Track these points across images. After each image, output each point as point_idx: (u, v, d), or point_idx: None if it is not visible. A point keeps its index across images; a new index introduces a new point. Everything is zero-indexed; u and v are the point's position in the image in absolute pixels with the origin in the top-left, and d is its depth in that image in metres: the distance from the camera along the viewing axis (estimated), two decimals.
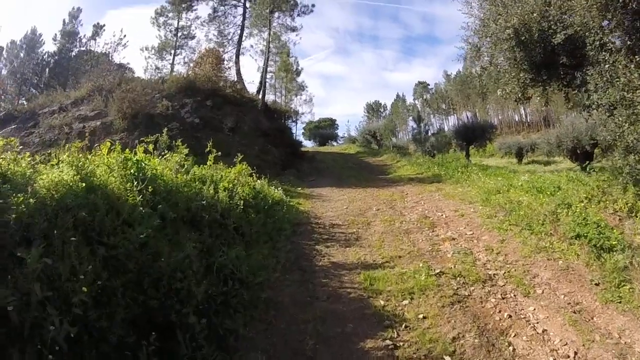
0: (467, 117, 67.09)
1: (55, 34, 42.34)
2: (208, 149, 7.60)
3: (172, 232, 4.30)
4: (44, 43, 42.68)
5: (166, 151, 6.43)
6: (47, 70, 38.93)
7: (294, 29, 27.05)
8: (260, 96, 18.51)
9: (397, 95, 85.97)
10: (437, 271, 5.17)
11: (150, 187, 4.06)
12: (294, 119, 23.01)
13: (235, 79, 23.66)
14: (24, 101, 30.39)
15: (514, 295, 4.53)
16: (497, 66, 11.99)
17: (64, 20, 43.50)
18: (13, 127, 14.81)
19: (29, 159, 3.64)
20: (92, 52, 39.58)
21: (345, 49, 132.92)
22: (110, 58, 29.55)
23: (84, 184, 3.28)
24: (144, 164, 4.37)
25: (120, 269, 3.35)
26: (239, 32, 26.61)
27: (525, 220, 6.56)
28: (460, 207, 8.53)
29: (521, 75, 10.56)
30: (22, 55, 38.70)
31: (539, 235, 5.96)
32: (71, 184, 3.24)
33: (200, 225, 5.10)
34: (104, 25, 45.45)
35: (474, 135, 25.77)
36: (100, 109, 16.41)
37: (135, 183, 3.90)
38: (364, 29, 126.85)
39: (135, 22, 75.24)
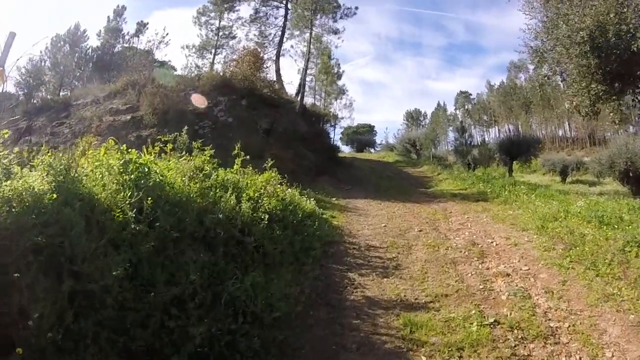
0: (511, 130, 64.47)
1: (100, 30, 43.84)
2: (236, 150, 6.83)
3: (175, 254, 3.52)
4: (88, 38, 44.17)
5: (185, 152, 5.69)
6: (90, 64, 40.13)
7: (335, 32, 26.50)
8: (298, 98, 17.80)
9: (438, 104, 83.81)
10: (491, 320, 4.16)
11: (149, 198, 3.29)
12: (333, 124, 22.22)
13: (275, 80, 23.22)
14: (64, 92, 31.31)
15: (580, 358, 3.52)
16: (563, 74, 10.76)
17: (108, 17, 45.02)
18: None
19: (13, 156, 2.93)
20: (135, 48, 40.60)
21: (386, 56, 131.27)
22: (152, 55, 29.99)
23: (54, 195, 2.53)
24: (147, 169, 3.62)
25: (94, 305, 2.59)
26: (279, 33, 26.23)
27: (590, 257, 5.47)
28: (512, 234, 7.45)
29: (592, 86, 9.26)
30: (66, 48, 40.09)
31: (606, 279, 4.90)
32: (40, 194, 2.50)
33: (214, 243, 4.31)
34: (148, 23, 46.65)
35: (518, 150, 24.16)
36: (132, 103, 16.22)
37: (129, 193, 3.14)
38: (405, 36, 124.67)
39: (179, 22, 76.91)
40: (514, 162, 24.84)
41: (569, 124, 65.70)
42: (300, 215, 7.10)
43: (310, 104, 22.06)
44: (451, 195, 13.06)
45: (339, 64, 25.89)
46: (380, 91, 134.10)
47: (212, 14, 32.31)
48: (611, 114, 9.09)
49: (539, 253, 6.23)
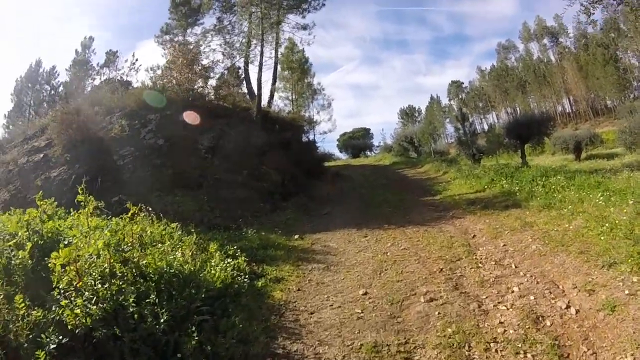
0: (512, 113, 61.30)
1: (69, 65, 40.85)
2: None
3: None
4: (58, 74, 41.36)
5: None
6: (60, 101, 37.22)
7: (304, 27, 23.29)
8: (256, 104, 14.13)
9: (431, 98, 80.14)
10: None
11: None
12: (307, 129, 18.40)
13: (246, 91, 20.01)
14: None
15: None
16: None
17: (76, 51, 42.03)
18: None
19: None
20: (109, 79, 37.60)
21: (373, 58, 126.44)
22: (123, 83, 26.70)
23: None
24: None
25: None
26: (246, 40, 22.68)
27: None
28: (597, 280, 4.06)
29: None
30: (27, 89, 37.07)
31: None
32: None
33: None
34: (117, 51, 43.53)
35: (529, 132, 20.44)
36: (52, 138, 12.80)
37: None
38: (390, 35, 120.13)
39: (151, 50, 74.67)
40: (526, 145, 21.14)
41: (568, 98, 62.32)
42: (197, 296, 3.55)
43: (277, 111, 18.44)
44: (467, 202, 9.42)
45: (307, 58, 21.89)
46: (372, 93, 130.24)
47: (175, 31, 29.05)
48: None
49: None
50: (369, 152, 48.14)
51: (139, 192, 9.91)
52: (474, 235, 6.56)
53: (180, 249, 5.25)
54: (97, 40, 51.88)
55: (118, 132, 11.57)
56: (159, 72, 14.42)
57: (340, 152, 49.84)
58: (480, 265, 5.13)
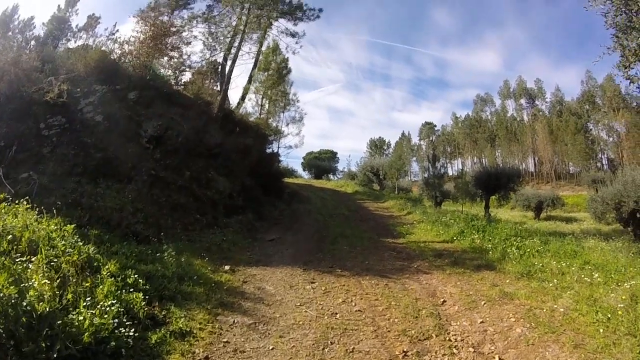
0: (482, 162, 62.66)
1: (48, 20, 37.24)
2: None
3: None
4: (34, 27, 37.52)
5: None
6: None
7: (293, 34, 22.19)
8: (219, 99, 12.54)
9: (403, 134, 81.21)
10: None
11: None
12: (272, 139, 16.63)
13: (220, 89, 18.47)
14: None
15: None
16: None
17: (58, 6, 38.46)
18: None
19: None
20: (85, 45, 34.39)
21: (356, 85, 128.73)
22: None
23: None
24: None
25: None
26: (232, 34, 21.10)
27: None
28: None
29: None
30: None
31: None
32: None
33: None
34: (100, 17, 40.32)
35: (497, 184, 19.95)
36: None
37: None
38: (376, 67, 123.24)
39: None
40: (492, 197, 20.61)
41: (534, 158, 64.57)
42: None
43: (244, 114, 16.80)
44: (434, 254, 8.28)
45: (286, 62, 19.75)
46: (347, 119, 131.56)
47: (162, 9, 26.93)
48: None
49: None
50: (332, 176, 46.79)
51: (55, 173, 8.13)
52: (444, 301, 5.35)
53: (52, 268, 3.72)
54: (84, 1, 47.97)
55: (54, 96, 9.70)
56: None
57: (304, 170, 48.41)
58: (454, 351, 3.89)
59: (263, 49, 18.76)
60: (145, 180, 8.38)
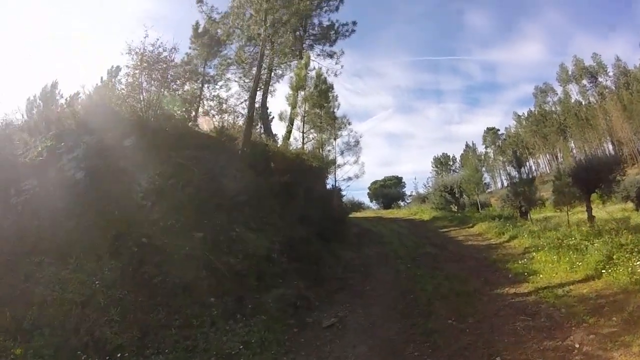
0: (557, 158, 55.77)
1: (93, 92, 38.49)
2: None
3: None
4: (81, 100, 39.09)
5: None
6: None
7: (331, 55, 21.09)
8: (244, 130, 9.80)
9: (467, 145, 75.58)
10: None
11: None
12: (328, 171, 13.65)
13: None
14: None
15: None
16: None
17: (101, 78, 39.89)
18: None
19: None
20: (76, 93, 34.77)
21: (408, 106, 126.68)
22: None
23: None
24: None
25: None
26: (264, 70, 19.20)
27: None
28: None
29: None
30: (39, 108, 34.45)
31: None
32: None
33: None
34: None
35: (598, 178, 15.38)
36: None
37: None
38: (424, 84, 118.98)
39: None
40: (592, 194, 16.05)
41: (612, 141, 56.14)
42: None
43: (279, 145, 13.88)
44: (589, 310, 4.83)
45: (325, 78, 17.20)
46: (405, 141, 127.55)
47: (196, 61, 26.00)
48: None
49: None
50: (401, 202, 43.91)
51: (14, 252, 5.68)
52: None
53: None
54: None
55: (34, 156, 7.61)
56: None
57: (371, 201, 45.87)
58: None
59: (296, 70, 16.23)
60: (135, 253, 5.69)
